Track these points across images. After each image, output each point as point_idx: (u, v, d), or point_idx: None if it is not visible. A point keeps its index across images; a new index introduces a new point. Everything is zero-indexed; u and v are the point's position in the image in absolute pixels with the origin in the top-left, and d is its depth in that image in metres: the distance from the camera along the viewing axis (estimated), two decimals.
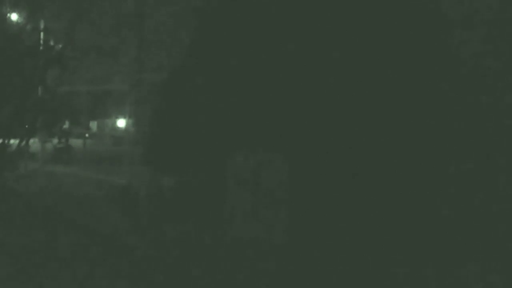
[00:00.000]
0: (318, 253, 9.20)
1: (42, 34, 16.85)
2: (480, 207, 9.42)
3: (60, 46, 16.40)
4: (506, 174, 9.63)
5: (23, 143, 15.99)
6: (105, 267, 9.33)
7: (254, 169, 10.12)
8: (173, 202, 12.24)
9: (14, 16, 16.79)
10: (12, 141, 15.99)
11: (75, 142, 26.31)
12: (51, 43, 16.89)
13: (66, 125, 21.52)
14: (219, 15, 11.77)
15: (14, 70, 15.45)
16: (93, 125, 33.25)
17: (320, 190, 9.82)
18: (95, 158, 24.30)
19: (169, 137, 12.02)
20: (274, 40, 10.56)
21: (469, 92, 10.12)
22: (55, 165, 21.21)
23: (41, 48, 16.62)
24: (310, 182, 9.90)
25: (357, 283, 8.27)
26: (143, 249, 10.14)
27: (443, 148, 9.74)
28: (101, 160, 23.55)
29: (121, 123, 32.16)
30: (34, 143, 19.44)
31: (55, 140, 20.71)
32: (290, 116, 10.23)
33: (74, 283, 8.52)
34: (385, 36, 10.15)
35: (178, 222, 11.57)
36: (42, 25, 16.94)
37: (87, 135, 29.94)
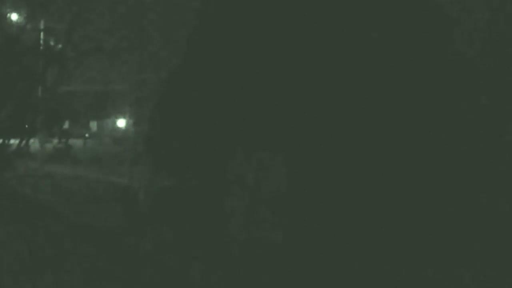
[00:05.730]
0: (316, 254, 9.20)
1: (42, 34, 16.85)
2: (480, 206, 9.43)
3: (60, 46, 16.40)
4: (506, 174, 9.64)
5: (23, 143, 15.98)
6: (105, 267, 9.34)
7: (254, 170, 10.12)
8: (173, 202, 12.24)
9: (14, 16, 16.79)
10: (12, 141, 15.98)
11: (75, 142, 26.32)
12: (51, 43, 16.89)
13: (66, 125, 21.51)
14: (219, 15, 11.77)
15: (14, 70, 15.46)
16: (93, 125, 33.19)
17: (319, 190, 9.82)
18: (95, 158, 24.29)
19: (169, 138, 12.02)
20: (274, 40, 10.56)
21: (469, 91, 10.13)
22: (55, 165, 21.18)
23: (41, 48, 16.63)
24: (309, 183, 9.89)
25: (355, 283, 8.27)
26: (142, 249, 10.15)
27: (443, 148, 9.74)
28: (101, 160, 23.55)
29: (121, 123, 32.11)
30: (34, 143, 19.43)
31: (55, 140, 20.71)
32: (290, 117, 10.23)
33: (73, 282, 8.52)
34: (385, 35, 10.15)
35: (177, 222, 11.57)
36: (42, 25, 16.94)
37: (87, 135, 29.91)
